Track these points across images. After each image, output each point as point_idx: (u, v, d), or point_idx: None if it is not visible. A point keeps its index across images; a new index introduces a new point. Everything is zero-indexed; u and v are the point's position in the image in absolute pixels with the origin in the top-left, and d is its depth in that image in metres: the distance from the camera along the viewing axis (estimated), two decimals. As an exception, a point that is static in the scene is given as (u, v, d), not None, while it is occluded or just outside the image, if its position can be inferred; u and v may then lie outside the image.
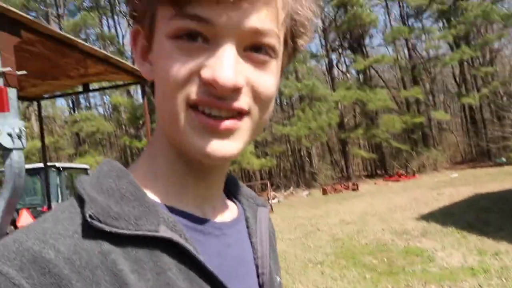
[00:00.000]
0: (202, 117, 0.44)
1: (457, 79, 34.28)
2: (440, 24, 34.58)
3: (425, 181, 19.29)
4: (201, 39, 0.43)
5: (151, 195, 0.48)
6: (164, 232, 0.43)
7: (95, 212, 0.41)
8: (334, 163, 32.09)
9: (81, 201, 0.43)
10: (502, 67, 34.52)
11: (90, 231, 0.40)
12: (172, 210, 0.48)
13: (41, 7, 32.66)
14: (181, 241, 0.44)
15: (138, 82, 4.53)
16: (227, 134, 0.45)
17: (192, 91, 0.44)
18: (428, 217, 9.97)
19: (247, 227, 0.58)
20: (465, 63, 32.50)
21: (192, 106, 0.44)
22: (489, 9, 28.50)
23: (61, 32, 2.96)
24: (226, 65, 0.42)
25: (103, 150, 33.92)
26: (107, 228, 0.40)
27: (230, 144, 0.45)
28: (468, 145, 31.33)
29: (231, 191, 0.62)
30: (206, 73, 0.43)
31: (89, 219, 0.40)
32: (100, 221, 0.40)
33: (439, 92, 39.20)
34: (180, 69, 0.43)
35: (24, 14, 2.47)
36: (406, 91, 31.27)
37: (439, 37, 32.38)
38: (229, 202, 0.60)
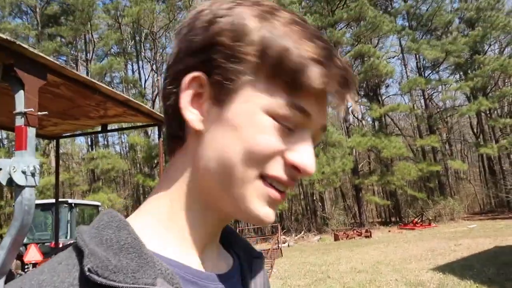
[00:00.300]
0: (272, 189, 0.48)
1: (475, 130, 34.04)
2: (457, 76, 34.91)
3: (441, 231, 18.68)
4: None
5: (151, 245, 0.47)
6: (161, 285, 0.42)
7: (94, 265, 0.41)
8: (347, 209, 31.52)
9: (79, 253, 0.43)
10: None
11: (87, 284, 0.40)
12: (170, 261, 0.48)
13: (72, 52, 34.53)
14: None
15: (155, 124, 4.65)
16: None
17: (272, 167, 0.47)
18: (445, 269, 9.58)
19: (242, 279, 0.58)
20: (483, 114, 32.38)
21: (262, 177, 0.47)
22: (506, 63, 28.81)
23: (85, 76, 3.14)
24: (311, 154, 0.48)
25: (117, 187, 34.22)
26: (104, 282, 0.40)
27: (275, 213, 0.51)
28: (487, 196, 30.53)
29: (227, 241, 0.63)
30: (295, 158, 0.47)
31: (87, 273, 0.40)
32: (98, 275, 0.40)
33: (456, 142, 38.87)
34: (270, 145, 0.46)
35: (52, 59, 2.64)
36: (422, 139, 31.10)
37: (455, 88, 32.54)
38: (225, 253, 0.61)
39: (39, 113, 2.54)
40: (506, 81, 32.06)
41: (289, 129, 0.47)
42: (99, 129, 4.83)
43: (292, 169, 0.48)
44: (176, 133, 0.53)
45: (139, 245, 0.45)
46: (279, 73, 0.46)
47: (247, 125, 0.46)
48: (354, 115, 36.10)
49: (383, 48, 34.88)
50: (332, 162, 28.80)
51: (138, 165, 33.95)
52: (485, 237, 14.11)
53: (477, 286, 7.70)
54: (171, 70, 0.52)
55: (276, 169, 0.47)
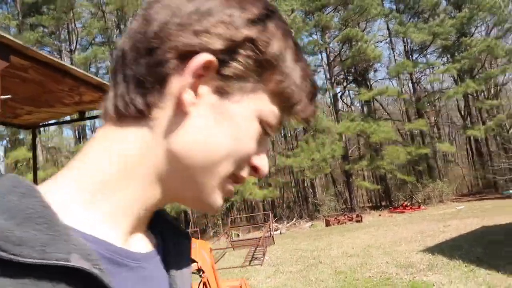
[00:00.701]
0: (232, 186, 0.52)
1: (462, 112, 34.31)
2: (444, 59, 35.03)
3: (430, 213, 18.90)
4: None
5: (70, 218, 0.41)
6: (76, 261, 0.37)
7: None
8: (338, 194, 31.74)
9: None
10: (507, 100, 34.60)
11: None
12: (89, 237, 0.42)
13: (55, 42, 33.73)
14: (96, 272, 0.38)
15: None
16: None
17: (244, 169, 0.51)
18: (434, 249, 9.67)
19: (166, 259, 0.53)
20: (470, 96, 32.62)
21: (232, 174, 0.50)
22: (493, 44, 29.00)
23: (53, 58, 2.97)
24: (267, 158, 0.54)
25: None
26: (5, 256, 0.34)
27: None
28: (475, 177, 30.98)
29: (154, 220, 0.55)
30: (259, 162, 0.52)
31: None
32: None
33: (444, 125, 39.19)
34: (253, 150, 0.50)
35: (14, 39, 2.47)
36: (410, 123, 31.31)
37: (443, 71, 32.70)
38: (150, 233, 0.54)
39: (2, 96, 2.38)
40: (492, 62, 32.25)
41: (265, 135, 0.51)
42: (78, 117, 4.66)
43: (252, 170, 0.52)
44: (139, 103, 0.46)
45: (50, 215, 0.38)
46: (281, 95, 0.50)
47: (243, 126, 0.48)
48: (343, 101, 36.17)
49: (370, 32, 34.74)
50: (321, 149, 28.95)
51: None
52: (473, 218, 14.29)
53: (465, 266, 7.78)
54: (181, 35, 0.45)
55: (245, 171, 0.51)
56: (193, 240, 4.88)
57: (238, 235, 17.11)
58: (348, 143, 32.35)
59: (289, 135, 35.57)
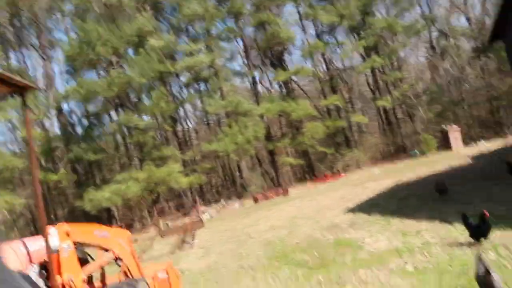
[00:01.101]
0: None
1: (371, 86, 36.75)
2: (352, 38, 37.00)
3: (350, 179, 20.04)
4: None
5: None
6: None
7: None
8: (264, 173, 32.43)
9: None
10: (409, 72, 37.71)
11: None
12: None
13: None
14: None
15: (17, 92, 3.85)
16: None
17: None
18: (355, 210, 10.19)
19: None
20: (377, 71, 35.06)
21: None
22: (392, 22, 31.44)
23: None
24: None
25: (15, 187, 30.69)
26: None
27: None
28: (386, 143, 33.57)
29: None
30: None
31: None
32: None
33: (357, 99, 41.66)
34: None
35: None
36: (326, 99, 32.93)
37: (351, 49, 34.65)
38: None
39: None
40: (393, 38, 34.82)
41: None
42: None
43: None
44: None
45: None
46: None
47: None
48: (262, 84, 36.66)
49: (282, 17, 35.46)
50: (244, 131, 29.21)
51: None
52: (387, 179, 15.37)
53: (383, 219, 8.27)
54: None
55: None
56: (105, 228, 4.45)
57: (167, 224, 16.64)
58: (270, 123, 33.03)
59: (212, 121, 35.31)
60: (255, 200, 20.07)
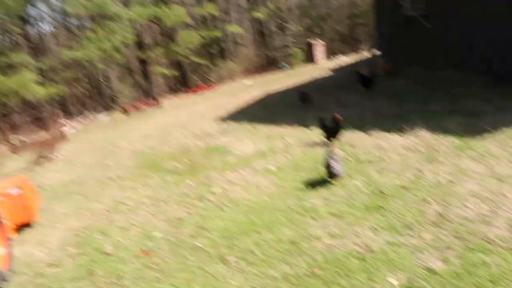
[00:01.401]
0: None
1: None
2: None
3: (223, 90, 20.31)
4: None
5: None
6: None
7: None
8: (136, 84, 30.72)
9: None
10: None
11: None
12: None
13: None
14: None
15: None
16: None
17: None
18: (226, 118, 10.47)
19: None
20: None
21: None
22: None
23: None
24: None
25: None
26: None
27: None
28: (259, 56, 34.35)
29: None
30: None
31: None
32: None
33: (233, 9, 40.70)
34: None
35: None
36: (201, 7, 31.42)
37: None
38: None
39: None
40: None
41: None
42: None
43: None
44: None
45: None
46: None
47: None
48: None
49: None
50: (112, 37, 26.59)
51: None
52: (258, 90, 15.93)
53: (251, 126, 8.69)
54: None
55: None
56: None
57: (22, 139, 14.77)
58: (141, 30, 30.53)
59: (73, 25, 31.00)
60: (125, 111, 18.99)
